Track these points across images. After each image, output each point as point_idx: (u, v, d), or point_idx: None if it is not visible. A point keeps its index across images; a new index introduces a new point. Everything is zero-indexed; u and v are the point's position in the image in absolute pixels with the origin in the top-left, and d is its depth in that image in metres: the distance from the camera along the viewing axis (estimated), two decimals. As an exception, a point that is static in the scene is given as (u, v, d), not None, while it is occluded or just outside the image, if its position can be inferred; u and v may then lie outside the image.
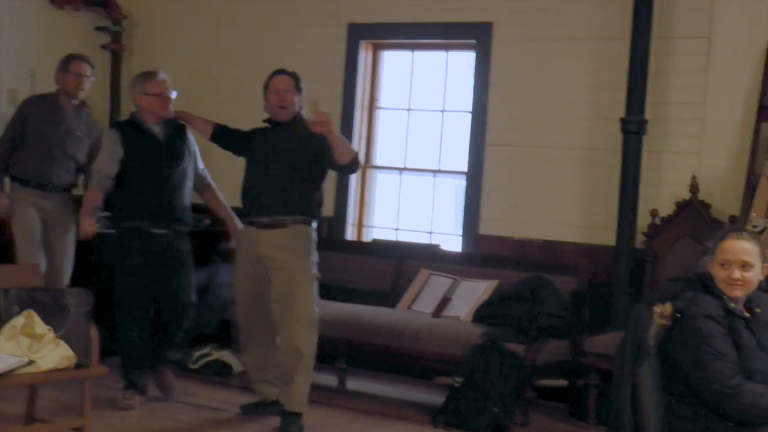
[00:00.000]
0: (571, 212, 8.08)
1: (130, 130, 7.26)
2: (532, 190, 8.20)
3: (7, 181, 7.89)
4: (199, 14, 9.57)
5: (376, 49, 9.03)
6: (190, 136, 7.44)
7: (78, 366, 5.67)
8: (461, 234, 8.55)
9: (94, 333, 5.75)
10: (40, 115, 7.85)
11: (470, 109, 8.46)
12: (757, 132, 7.30)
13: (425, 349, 7.49)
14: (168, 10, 9.75)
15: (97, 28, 9.65)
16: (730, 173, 7.41)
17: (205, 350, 8.44)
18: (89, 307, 5.86)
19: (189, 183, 7.38)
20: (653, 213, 7.62)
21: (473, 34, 8.44)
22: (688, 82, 7.67)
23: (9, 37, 9.10)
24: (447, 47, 8.79)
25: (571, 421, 7.44)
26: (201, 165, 7.56)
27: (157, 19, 9.78)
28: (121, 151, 7.17)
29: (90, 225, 6.98)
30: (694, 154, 7.63)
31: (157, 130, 7.25)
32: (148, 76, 7.32)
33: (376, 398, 7.87)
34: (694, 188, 7.47)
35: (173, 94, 7.26)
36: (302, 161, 6.81)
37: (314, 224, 6.91)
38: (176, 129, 7.36)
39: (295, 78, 6.99)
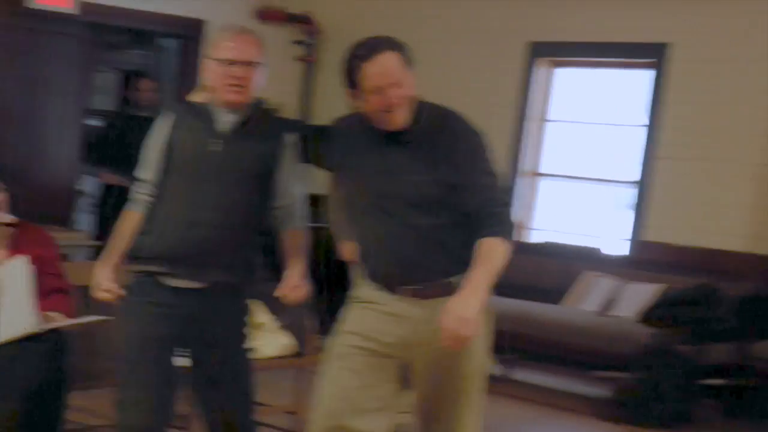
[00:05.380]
0: (736, 223, 7.54)
1: (185, 113, 3.99)
2: (700, 200, 7.67)
3: None
4: (387, 30, 9.19)
5: (553, 66, 8.62)
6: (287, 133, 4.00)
7: (296, 354, 5.40)
8: (629, 239, 8.08)
9: (309, 323, 5.48)
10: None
11: (645, 123, 7.97)
12: None
13: (592, 344, 7.11)
14: (359, 26, 9.44)
15: (295, 42, 9.42)
16: None
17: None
18: (308, 299, 5.53)
19: (257, 210, 3.96)
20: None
21: (651, 54, 7.94)
22: None
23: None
24: (624, 65, 8.31)
25: (732, 419, 6.97)
26: (296, 188, 4.02)
27: (349, 35, 9.46)
28: (163, 141, 3.95)
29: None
30: None
31: (228, 117, 3.89)
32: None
33: (538, 388, 7.51)
34: None
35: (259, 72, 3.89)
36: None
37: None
38: (263, 118, 3.97)
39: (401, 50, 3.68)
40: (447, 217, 3.59)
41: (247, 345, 4.05)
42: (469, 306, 3.40)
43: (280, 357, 5.35)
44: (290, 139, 3.95)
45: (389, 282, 3.67)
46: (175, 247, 3.85)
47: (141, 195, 3.96)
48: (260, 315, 5.43)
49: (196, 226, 3.83)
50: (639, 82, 8.15)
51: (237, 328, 4.03)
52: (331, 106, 9.33)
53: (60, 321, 4.44)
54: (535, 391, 7.50)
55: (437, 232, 3.60)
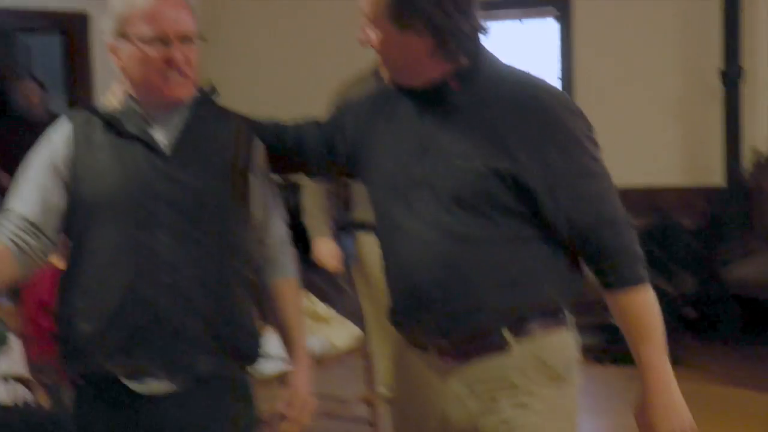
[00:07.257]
0: (668, 159, 7.59)
1: (95, 125, 2.59)
2: (627, 143, 7.67)
3: None
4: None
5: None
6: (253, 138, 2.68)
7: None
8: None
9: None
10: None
11: (558, 75, 7.86)
12: None
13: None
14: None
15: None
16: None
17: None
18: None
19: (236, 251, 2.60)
20: (755, 151, 7.27)
21: (553, 2, 7.86)
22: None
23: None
24: (523, 16, 8.13)
25: (709, 345, 7.00)
26: (275, 214, 2.70)
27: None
28: (66, 173, 2.55)
29: None
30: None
31: (158, 126, 2.58)
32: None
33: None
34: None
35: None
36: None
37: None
38: (203, 116, 2.63)
39: None
40: (506, 227, 2.32)
41: None
42: (673, 410, 2.35)
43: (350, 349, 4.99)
44: (257, 144, 2.63)
45: (406, 325, 2.42)
46: (126, 329, 2.43)
47: (8, 228, 2.50)
48: (318, 306, 5.05)
49: (150, 295, 2.44)
50: (545, 32, 8.05)
51: None
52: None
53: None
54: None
55: (486, 246, 2.31)
